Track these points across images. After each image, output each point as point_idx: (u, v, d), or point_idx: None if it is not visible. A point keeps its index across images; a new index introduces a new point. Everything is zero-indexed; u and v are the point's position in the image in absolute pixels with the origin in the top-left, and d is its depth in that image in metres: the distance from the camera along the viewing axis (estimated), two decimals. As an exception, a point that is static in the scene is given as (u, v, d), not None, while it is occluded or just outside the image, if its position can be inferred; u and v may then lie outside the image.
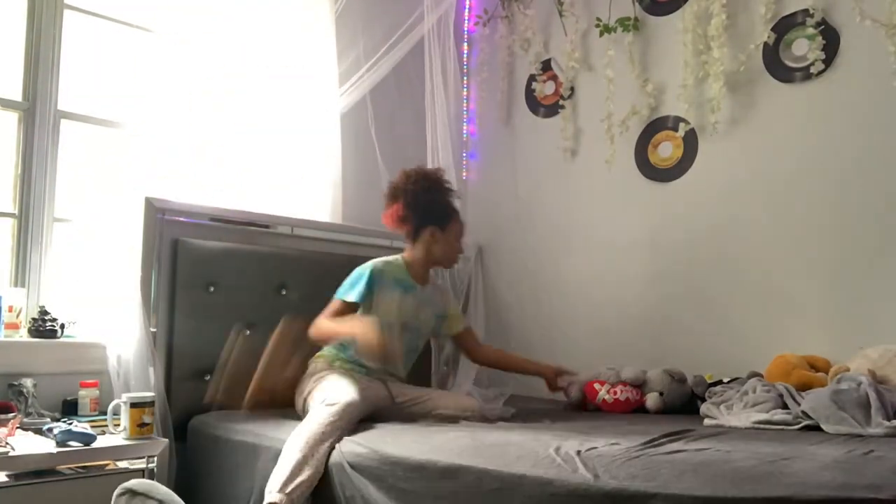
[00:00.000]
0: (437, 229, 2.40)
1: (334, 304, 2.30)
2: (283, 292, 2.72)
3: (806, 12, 2.57)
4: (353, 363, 2.32)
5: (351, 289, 2.31)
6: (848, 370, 2.21)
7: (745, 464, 1.47)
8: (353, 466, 1.83)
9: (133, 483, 1.77)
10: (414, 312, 2.41)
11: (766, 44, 2.65)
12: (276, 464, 1.91)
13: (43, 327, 2.30)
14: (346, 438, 1.94)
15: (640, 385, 2.54)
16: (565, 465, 1.54)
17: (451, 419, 2.22)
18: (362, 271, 2.34)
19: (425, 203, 2.40)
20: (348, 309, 2.28)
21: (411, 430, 2.01)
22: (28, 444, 1.91)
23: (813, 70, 2.57)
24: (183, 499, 2.34)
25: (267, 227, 2.77)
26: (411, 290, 2.41)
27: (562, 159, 3.23)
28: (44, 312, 2.33)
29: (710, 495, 1.33)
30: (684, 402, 2.51)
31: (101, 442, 1.99)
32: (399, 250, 3.18)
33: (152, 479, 2.06)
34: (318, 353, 2.39)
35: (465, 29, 3.58)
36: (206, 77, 2.66)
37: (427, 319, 2.47)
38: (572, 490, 1.46)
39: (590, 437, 1.85)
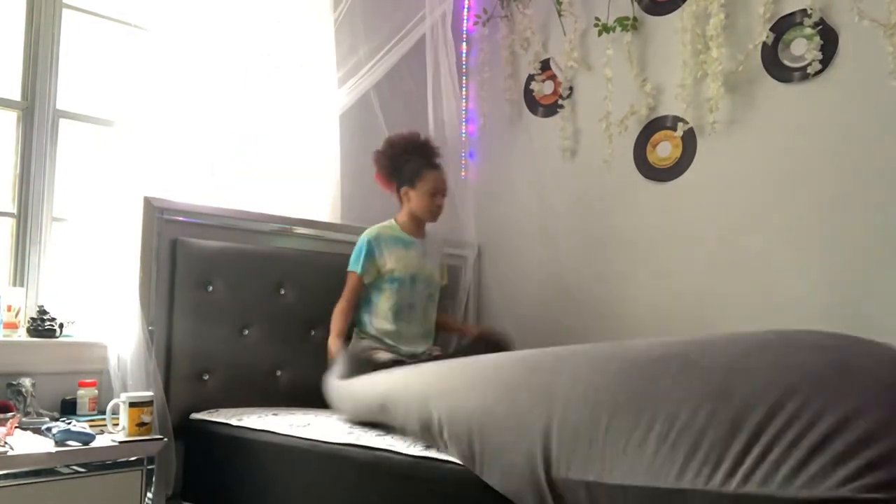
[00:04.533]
0: (409, 188, 2.67)
1: (350, 278, 2.64)
2: (282, 292, 2.72)
3: (804, 12, 2.57)
4: (387, 339, 2.64)
5: (356, 261, 2.62)
6: None
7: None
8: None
9: None
10: (419, 264, 2.68)
11: (764, 43, 2.65)
12: (273, 457, 1.92)
13: (42, 327, 2.30)
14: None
15: None
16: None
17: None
18: (360, 241, 2.64)
19: (393, 166, 2.70)
20: (359, 279, 2.62)
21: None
22: (27, 443, 1.91)
23: (811, 70, 2.57)
24: (184, 497, 2.36)
25: (265, 226, 2.77)
26: (411, 245, 2.69)
27: (561, 159, 3.23)
28: (42, 312, 2.33)
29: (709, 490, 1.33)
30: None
31: (100, 441, 1.99)
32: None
33: (150, 479, 2.06)
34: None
35: (464, 28, 3.58)
36: (205, 77, 2.66)
37: (433, 269, 2.74)
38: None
39: None
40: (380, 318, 2.63)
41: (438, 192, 2.68)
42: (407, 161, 2.68)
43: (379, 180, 2.76)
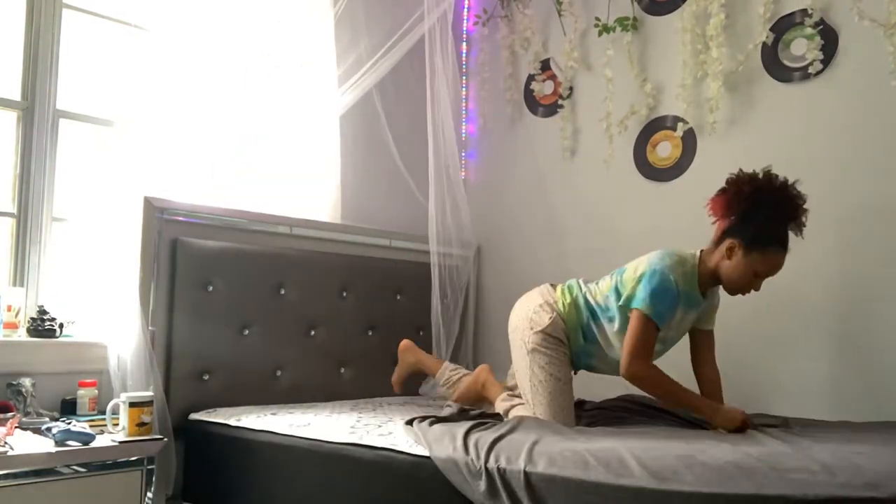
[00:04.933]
0: (742, 247, 2.04)
1: (648, 327, 2.04)
2: (282, 292, 2.72)
3: (804, 12, 2.57)
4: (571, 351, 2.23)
5: (658, 310, 2.03)
6: None
7: (742, 462, 1.47)
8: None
9: None
10: (687, 327, 2.21)
11: (764, 43, 2.66)
12: (273, 457, 1.92)
13: (42, 327, 2.30)
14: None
15: None
16: (563, 461, 1.54)
17: None
18: (669, 288, 2.05)
19: (748, 208, 2.04)
20: (658, 330, 2.05)
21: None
22: (27, 443, 1.91)
23: (811, 70, 2.57)
24: (184, 497, 2.36)
25: (265, 226, 2.77)
26: (695, 307, 2.15)
27: (561, 159, 3.23)
28: (42, 312, 2.32)
29: (708, 492, 1.34)
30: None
31: (100, 441, 1.99)
32: (399, 250, 3.21)
33: (150, 479, 2.06)
34: (567, 295, 2.24)
35: (464, 28, 3.58)
36: (205, 77, 2.65)
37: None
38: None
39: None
40: (601, 360, 2.24)
41: (768, 275, 2.08)
42: (766, 219, 2.03)
43: (717, 206, 2.12)
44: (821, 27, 2.54)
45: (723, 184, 2.80)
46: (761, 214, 2.02)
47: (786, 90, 2.65)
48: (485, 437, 1.73)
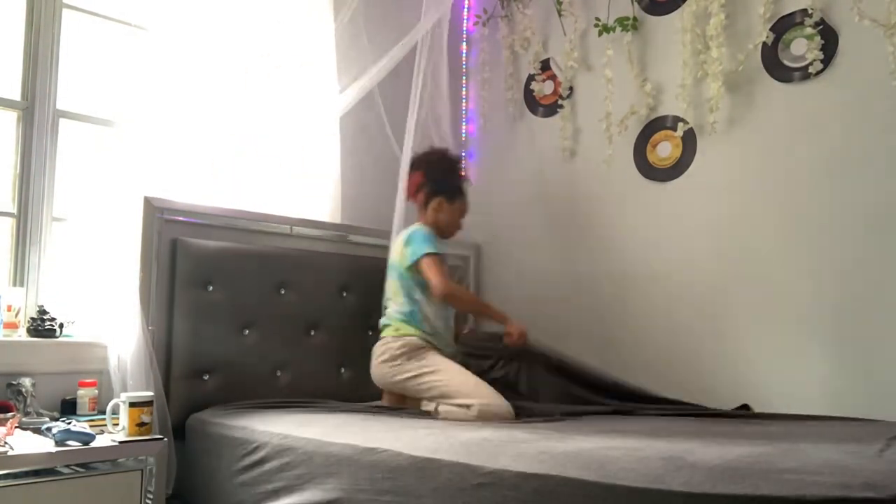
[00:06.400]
0: (445, 201, 2.70)
1: (436, 260, 2.54)
2: (282, 292, 2.72)
3: (805, 12, 2.57)
4: (434, 339, 2.58)
5: (431, 244, 2.56)
6: None
7: (739, 462, 1.46)
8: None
9: None
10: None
11: (764, 43, 2.66)
12: (275, 459, 1.91)
13: (42, 327, 2.30)
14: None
15: None
16: (551, 461, 1.54)
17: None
18: (417, 230, 2.62)
19: (440, 177, 2.73)
20: (443, 259, 2.60)
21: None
22: (27, 443, 1.91)
23: (811, 70, 2.57)
24: (184, 497, 2.36)
25: (265, 226, 2.77)
26: (444, 247, 2.71)
27: (561, 159, 3.23)
28: (42, 312, 2.33)
29: (706, 492, 1.33)
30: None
31: (100, 441, 1.99)
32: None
33: (151, 479, 2.06)
34: (394, 326, 2.59)
35: (464, 28, 3.58)
36: (205, 77, 2.66)
37: None
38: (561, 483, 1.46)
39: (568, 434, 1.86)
40: (429, 318, 2.58)
41: (464, 215, 2.79)
42: (454, 177, 2.78)
43: (413, 181, 2.76)
44: (821, 27, 2.54)
45: (723, 183, 2.82)
46: (446, 173, 2.76)
47: (786, 90, 2.65)
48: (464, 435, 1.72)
